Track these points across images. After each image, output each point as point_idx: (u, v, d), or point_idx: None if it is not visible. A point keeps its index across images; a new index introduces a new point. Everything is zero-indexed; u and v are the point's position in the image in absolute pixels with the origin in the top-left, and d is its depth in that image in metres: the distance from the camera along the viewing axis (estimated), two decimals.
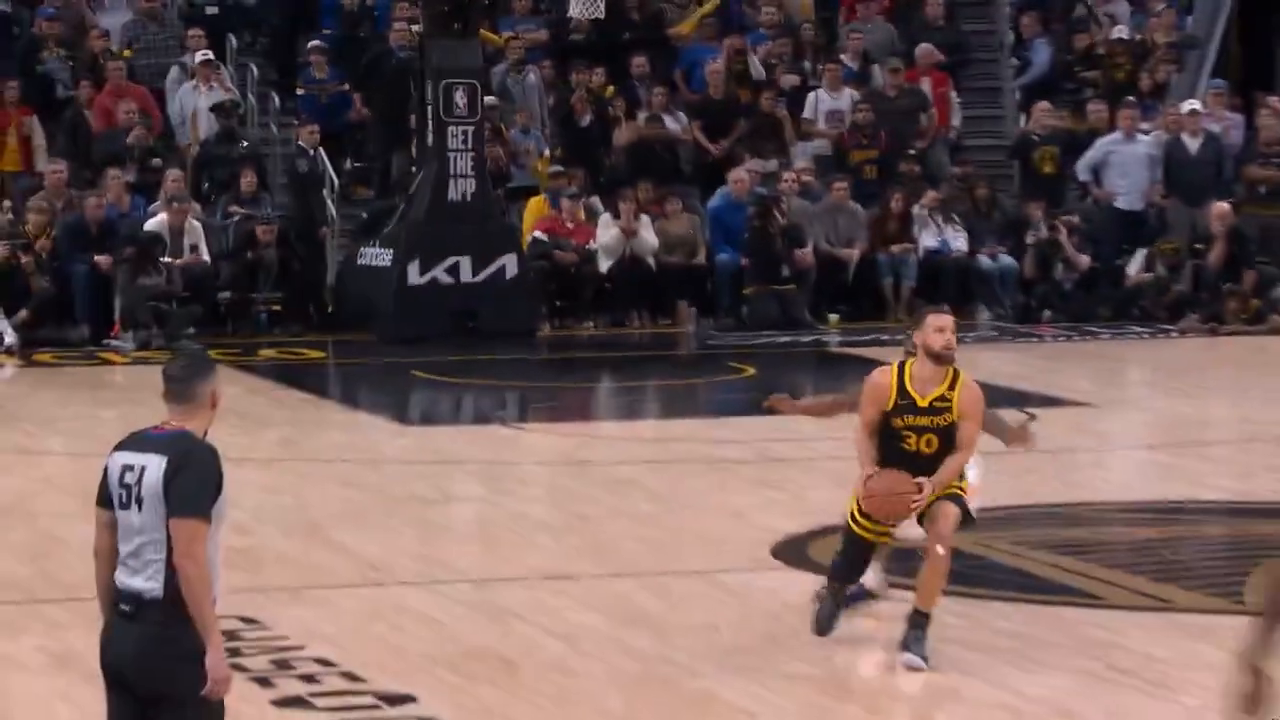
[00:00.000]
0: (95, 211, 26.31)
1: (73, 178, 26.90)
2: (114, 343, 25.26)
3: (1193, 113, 29.41)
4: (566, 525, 18.72)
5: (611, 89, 29.27)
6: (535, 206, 27.77)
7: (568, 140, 28.85)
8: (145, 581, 8.68)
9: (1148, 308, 27.94)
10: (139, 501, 8.69)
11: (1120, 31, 31.21)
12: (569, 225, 27.48)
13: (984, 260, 28.02)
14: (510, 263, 26.59)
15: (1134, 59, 30.83)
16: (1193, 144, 29.06)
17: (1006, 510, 16.16)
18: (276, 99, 29.17)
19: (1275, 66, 32.25)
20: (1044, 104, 29.93)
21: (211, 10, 29.49)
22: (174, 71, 28.36)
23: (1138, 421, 23.25)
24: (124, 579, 8.75)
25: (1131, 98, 29.64)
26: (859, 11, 31.21)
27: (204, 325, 25.77)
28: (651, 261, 27.33)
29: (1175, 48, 31.49)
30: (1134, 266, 28.30)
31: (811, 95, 29.56)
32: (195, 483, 8.66)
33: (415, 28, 27.95)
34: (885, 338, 24.96)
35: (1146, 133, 29.24)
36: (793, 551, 15.80)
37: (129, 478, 8.72)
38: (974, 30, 31.92)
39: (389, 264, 26.57)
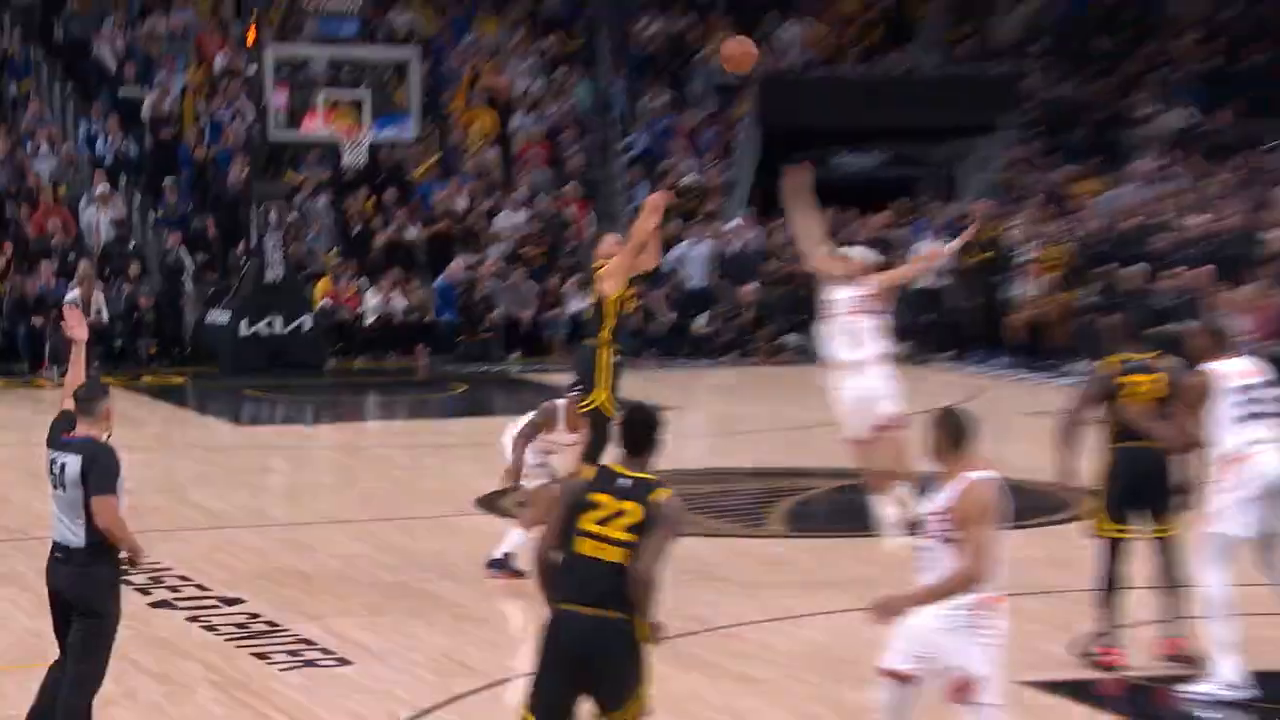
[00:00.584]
0: (32, 288, 25.59)
1: (17, 266, 26.05)
2: (44, 373, 24.45)
3: (736, 228, 29.51)
4: (344, 486, 18.46)
5: (371, 209, 28.89)
6: (323, 285, 27.28)
7: (344, 242, 28.43)
8: (72, 536, 8.63)
9: (710, 348, 27.99)
10: (63, 485, 8.62)
11: (691, 179, 31.05)
12: (346, 296, 27.11)
13: None
14: (307, 320, 26.08)
15: (698, 195, 30.77)
16: (735, 247, 29.16)
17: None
18: (152, 216, 28.45)
19: (780, 200, 32.13)
20: None
21: (109, 161, 28.70)
22: (84, 198, 27.59)
23: (702, 418, 23.33)
24: (58, 533, 8.70)
25: (699, 217, 29.69)
26: (530, 161, 30.94)
27: (105, 361, 25.02)
28: (400, 318, 27.03)
29: (723, 186, 31.46)
30: (700, 322, 28.34)
31: (501, 214, 29.30)
32: (105, 473, 8.61)
33: (244, 171, 27.51)
34: (549, 369, 24.85)
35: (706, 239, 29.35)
36: (490, 503, 15.64)
37: (56, 469, 8.66)
38: (603, 178, 31.84)
39: (227, 322, 25.98)
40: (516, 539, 13.32)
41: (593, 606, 7.23)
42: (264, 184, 26.45)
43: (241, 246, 27.05)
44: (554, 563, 7.46)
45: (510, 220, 29.09)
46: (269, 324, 25.84)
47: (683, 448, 17.38)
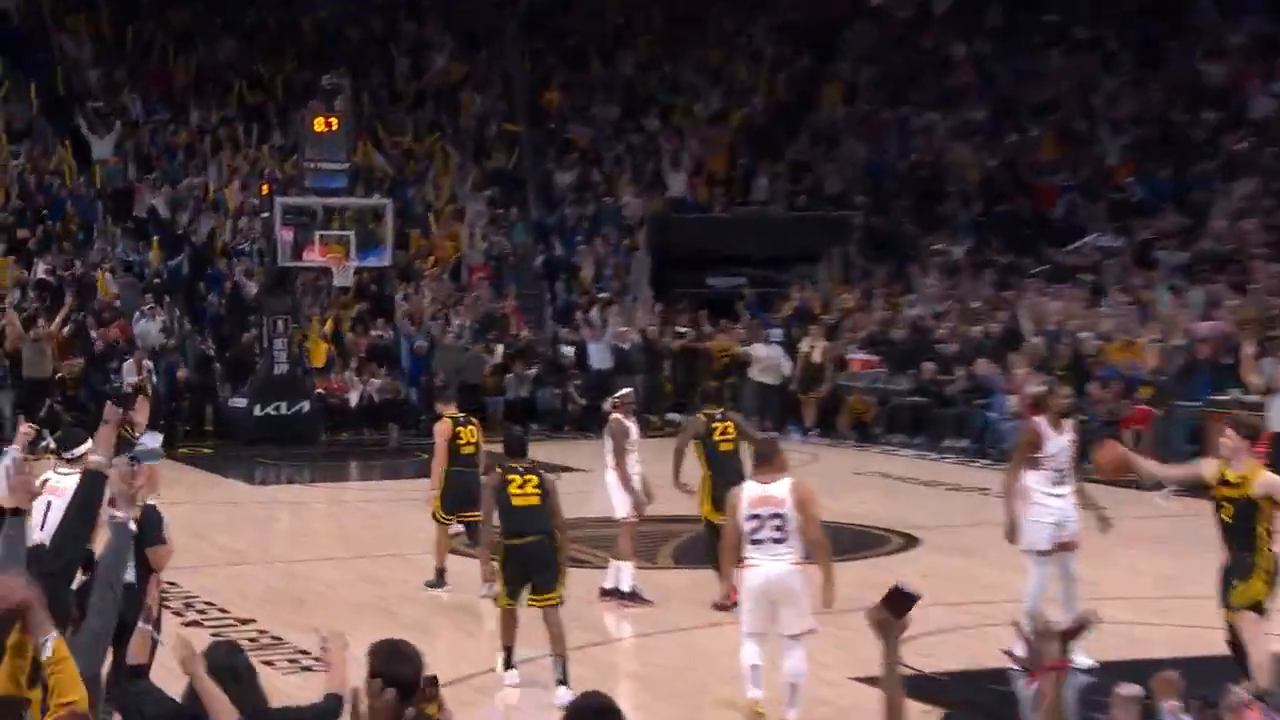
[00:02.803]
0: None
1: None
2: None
3: (622, 331, 28.62)
4: (334, 531, 18.44)
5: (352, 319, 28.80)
6: (319, 379, 27.21)
7: (339, 345, 28.20)
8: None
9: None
10: None
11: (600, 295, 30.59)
12: (335, 385, 27.03)
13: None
14: (306, 404, 25.96)
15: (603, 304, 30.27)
16: (627, 344, 28.23)
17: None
18: (186, 324, 28.21)
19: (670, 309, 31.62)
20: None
21: (157, 281, 28.49)
22: (136, 313, 27.18)
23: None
24: None
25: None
26: (478, 282, 30.72)
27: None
28: (377, 400, 26.89)
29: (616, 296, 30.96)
30: (606, 405, 27.22)
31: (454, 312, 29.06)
32: (156, 521, 8.74)
33: (258, 290, 27.51)
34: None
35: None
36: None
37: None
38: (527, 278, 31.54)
39: (245, 405, 25.88)
40: (626, 570, 12.93)
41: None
42: (274, 300, 26.38)
43: (257, 348, 26.85)
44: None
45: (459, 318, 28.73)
46: (275, 407, 25.71)
47: (592, 501, 17.51)
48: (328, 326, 28.01)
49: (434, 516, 13.82)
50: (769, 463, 9.34)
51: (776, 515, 9.12)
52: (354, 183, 27.36)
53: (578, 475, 21.09)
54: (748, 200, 33.30)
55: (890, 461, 22.92)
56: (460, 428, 13.74)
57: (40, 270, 27.30)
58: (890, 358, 26.61)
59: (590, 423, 26.61)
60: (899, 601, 4.81)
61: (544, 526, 10.54)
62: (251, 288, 28.05)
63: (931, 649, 10.94)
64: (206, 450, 25.03)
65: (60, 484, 9.28)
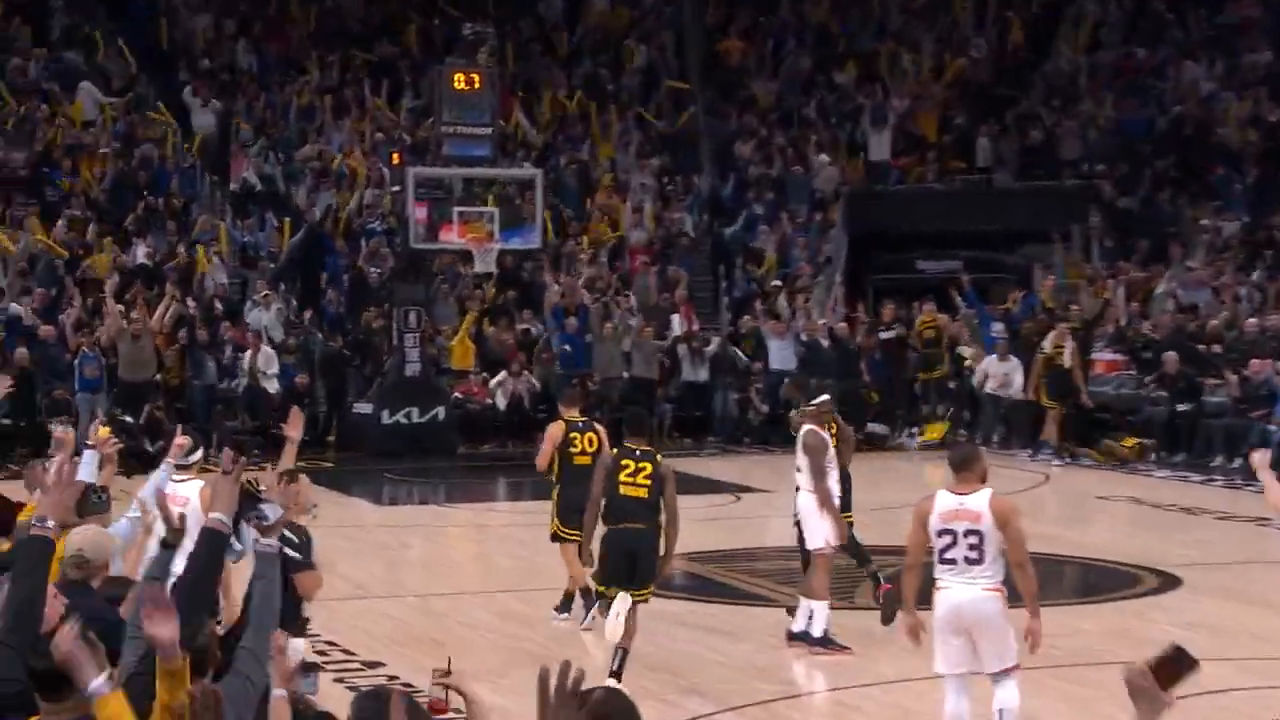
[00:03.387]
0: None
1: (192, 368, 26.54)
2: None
3: (817, 324, 28.13)
4: (472, 559, 18.60)
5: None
6: (455, 381, 27.50)
7: (478, 343, 28.45)
8: None
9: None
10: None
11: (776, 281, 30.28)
12: (475, 389, 27.28)
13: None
14: (441, 411, 26.28)
15: (789, 293, 29.95)
16: (823, 341, 27.71)
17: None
18: (306, 317, 28.56)
19: (869, 298, 31.46)
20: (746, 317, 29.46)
21: (270, 267, 29.07)
22: (248, 303, 27.76)
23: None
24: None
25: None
26: (640, 265, 30.91)
27: (264, 450, 25.25)
28: (528, 401, 27.04)
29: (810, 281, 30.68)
30: (793, 413, 27.44)
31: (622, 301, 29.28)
32: (305, 542, 9.25)
33: (387, 277, 27.90)
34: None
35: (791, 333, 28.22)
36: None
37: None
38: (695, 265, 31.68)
39: (371, 411, 26.26)
40: (820, 611, 12.79)
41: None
42: (405, 288, 26.71)
43: (386, 346, 27.19)
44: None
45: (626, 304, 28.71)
46: (407, 414, 26.02)
47: (775, 527, 17.38)
48: (469, 321, 28.14)
49: (555, 537, 13.82)
50: (968, 470, 9.34)
51: (973, 532, 9.14)
52: (499, 151, 27.58)
53: (758, 496, 21.09)
54: (966, 168, 33.02)
55: (1142, 484, 22.55)
56: (575, 434, 13.72)
57: (140, 254, 27.98)
58: (1142, 358, 26.20)
59: (772, 434, 26.22)
60: (1173, 668, 4.44)
61: (649, 518, 11.54)
62: (381, 275, 28.41)
63: (1198, 712, 10.65)
64: (326, 463, 25.33)
65: (176, 493, 9.51)
